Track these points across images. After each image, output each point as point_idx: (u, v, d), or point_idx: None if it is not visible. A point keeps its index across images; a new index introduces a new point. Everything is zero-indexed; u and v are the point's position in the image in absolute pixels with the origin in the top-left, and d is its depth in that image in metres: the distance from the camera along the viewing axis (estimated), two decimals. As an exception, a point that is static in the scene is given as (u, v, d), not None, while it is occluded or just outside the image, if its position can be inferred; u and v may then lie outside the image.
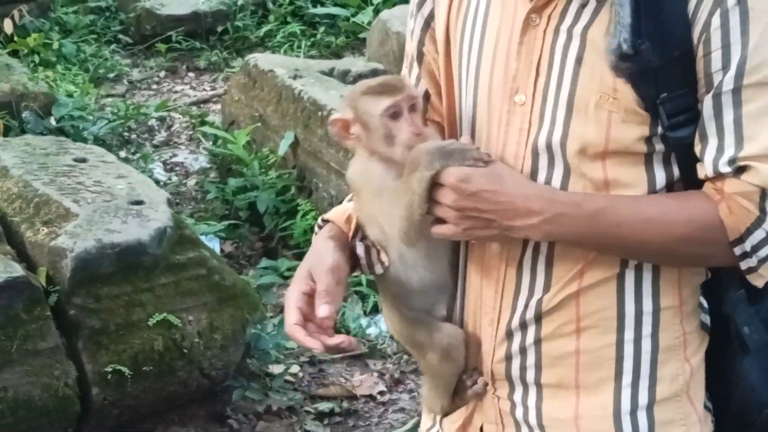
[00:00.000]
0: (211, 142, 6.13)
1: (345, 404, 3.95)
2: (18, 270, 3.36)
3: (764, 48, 1.44)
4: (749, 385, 1.63)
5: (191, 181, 5.98)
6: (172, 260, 3.63)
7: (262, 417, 3.84)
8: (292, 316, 1.61)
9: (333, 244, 1.69)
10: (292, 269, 4.75)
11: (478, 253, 1.65)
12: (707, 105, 1.47)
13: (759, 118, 1.45)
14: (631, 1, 1.45)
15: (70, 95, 6.24)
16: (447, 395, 1.71)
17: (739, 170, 1.46)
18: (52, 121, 5.70)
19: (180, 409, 3.73)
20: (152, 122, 6.75)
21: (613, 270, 1.58)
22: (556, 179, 1.55)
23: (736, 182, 1.46)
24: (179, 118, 6.86)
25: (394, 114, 1.56)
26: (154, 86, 7.56)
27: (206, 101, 7.22)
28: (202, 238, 4.43)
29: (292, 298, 1.64)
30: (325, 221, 1.76)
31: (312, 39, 7.88)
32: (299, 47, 7.73)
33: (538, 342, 1.62)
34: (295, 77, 5.43)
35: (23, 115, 5.57)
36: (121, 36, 8.11)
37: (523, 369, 1.64)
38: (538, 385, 1.64)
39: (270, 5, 8.22)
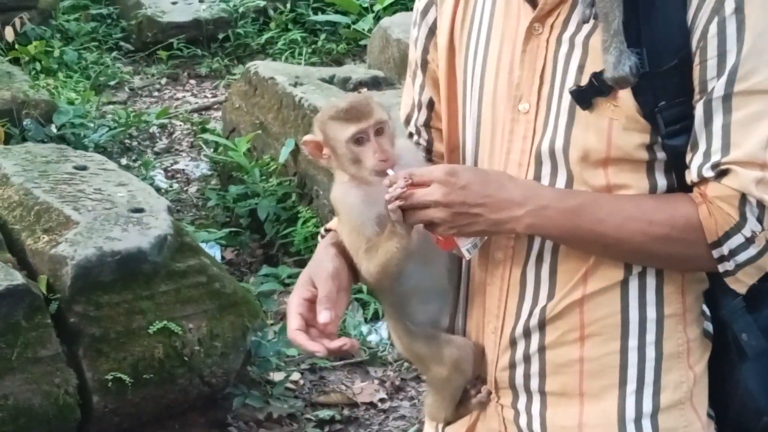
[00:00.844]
0: (212, 150, 6.13)
1: (346, 411, 3.95)
2: (18, 278, 3.36)
3: (756, 56, 1.44)
4: (747, 392, 1.63)
5: (192, 188, 5.98)
6: (172, 268, 3.62)
7: (263, 424, 3.84)
8: (293, 322, 1.63)
9: (334, 251, 1.70)
10: (293, 276, 4.75)
11: (481, 261, 1.65)
12: (699, 111, 1.48)
13: (747, 125, 1.46)
14: (628, 10, 1.45)
15: (71, 102, 6.25)
16: (452, 405, 1.71)
17: (721, 174, 1.47)
18: (53, 129, 5.71)
19: (180, 416, 3.73)
20: (153, 129, 6.76)
21: (617, 277, 1.58)
22: (560, 185, 1.56)
23: (717, 186, 1.47)
24: (180, 125, 6.86)
25: (359, 140, 1.58)
26: (156, 93, 7.57)
27: (207, 108, 7.23)
28: (203, 245, 4.44)
29: (294, 304, 1.65)
30: (328, 230, 1.78)
31: (313, 46, 7.89)
32: (300, 54, 7.74)
33: (542, 350, 1.62)
34: (295, 84, 5.44)
35: (24, 123, 5.58)
36: (122, 43, 8.12)
37: (526, 377, 1.64)
38: (542, 393, 1.64)
39: (271, 12, 8.23)
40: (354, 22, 7.94)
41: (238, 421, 3.82)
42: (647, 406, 1.61)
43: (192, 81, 7.80)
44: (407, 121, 1.84)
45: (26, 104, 5.67)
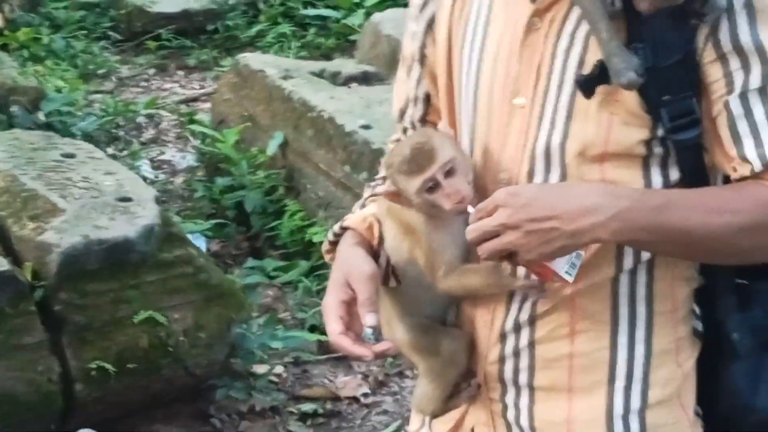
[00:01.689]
0: (199, 141, 6.11)
1: (328, 405, 3.95)
2: (4, 264, 3.35)
3: None
4: (736, 390, 1.64)
5: (178, 180, 5.97)
6: (159, 258, 3.62)
7: (246, 416, 3.84)
8: (335, 326, 1.61)
9: (362, 251, 1.67)
10: (278, 269, 4.75)
11: (473, 254, 1.65)
12: (734, 105, 1.47)
13: None
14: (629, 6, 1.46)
15: (59, 90, 6.21)
16: (442, 397, 1.71)
17: None
18: (41, 116, 5.69)
19: (164, 406, 3.72)
20: (141, 119, 6.73)
21: (608, 274, 1.58)
22: (554, 179, 1.56)
23: None
24: (168, 116, 6.84)
25: (431, 188, 1.54)
26: (143, 83, 7.55)
27: (195, 100, 7.21)
28: (189, 236, 4.42)
29: (333, 307, 1.63)
30: (344, 228, 1.74)
31: (302, 40, 7.87)
32: (289, 48, 7.72)
33: (531, 344, 1.63)
34: (285, 78, 5.42)
35: (12, 109, 5.55)
36: (110, 32, 8.09)
37: (516, 371, 1.65)
38: (531, 387, 1.64)
39: (261, 5, 8.22)
40: (344, 17, 7.93)
41: (221, 413, 3.82)
42: (635, 403, 1.62)
43: (180, 72, 7.78)
44: (401, 116, 1.83)
45: (14, 91, 5.63)
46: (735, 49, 1.46)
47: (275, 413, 3.87)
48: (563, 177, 1.55)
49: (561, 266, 1.50)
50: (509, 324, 1.64)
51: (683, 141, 1.50)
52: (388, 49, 5.75)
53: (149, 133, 6.62)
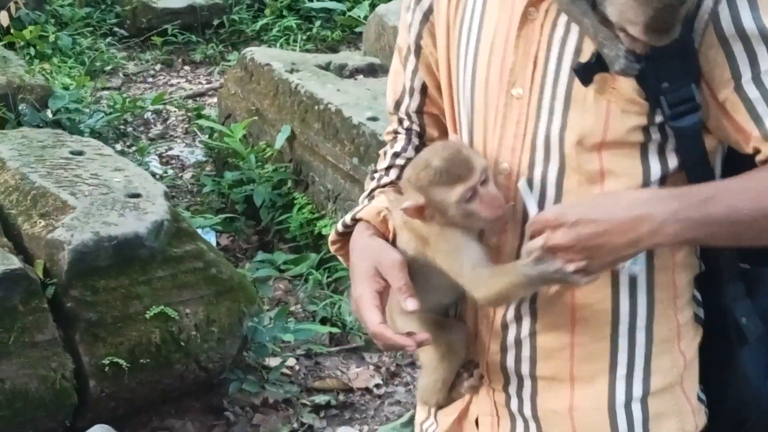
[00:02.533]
0: (207, 136, 6.13)
1: (341, 397, 3.96)
2: (15, 262, 3.36)
3: None
4: (745, 377, 1.64)
5: (187, 175, 5.98)
6: (169, 253, 3.63)
7: (259, 409, 3.85)
8: (374, 316, 1.58)
9: (383, 242, 1.67)
10: (288, 263, 4.77)
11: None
12: (749, 89, 1.48)
13: None
14: None
15: (66, 88, 6.24)
16: (444, 389, 1.72)
17: None
18: (49, 114, 5.70)
19: (177, 401, 3.74)
20: (148, 115, 6.75)
21: None
22: (552, 172, 1.56)
23: None
24: (175, 111, 6.86)
25: (470, 198, 1.54)
26: (150, 79, 7.56)
27: (202, 95, 7.22)
28: (199, 231, 4.44)
29: (368, 297, 1.60)
30: (355, 220, 1.73)
31: (308, 33, 7.88)
32: (295, 41, 7.73)
33: (533, 334, 1.63)
34: (291, 71, 5.43)
35: (20, 108, 5.57)
36: (116, 29, 8.11)
37: (518, 361, 1.65)
38: (533, 377, 1.65)
39: (266, -1, 8.23)
40: (349, 9, 7.93)
41: (234, 407, 3.83)
42: (637, 390, 1.62)
43: (186, 67, 7.79)
44: (396, 107, 1.82)
45: (22, 89, 5.65)
46: (738, 33, 1.46)
47: (288, 406, 3.88)
48: (562, 167, 1.55)
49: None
50: (510, 314, 1.65)
51: (683, 128, 1.51)
52: (394, 40, 5.73)
53: (157, 129, 6.63)
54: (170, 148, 6.35)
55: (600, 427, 1.63)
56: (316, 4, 8.04)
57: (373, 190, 1.78)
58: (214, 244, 4.69)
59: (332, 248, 1.80)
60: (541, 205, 1.56)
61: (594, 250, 1.45)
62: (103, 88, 7.08)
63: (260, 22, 8.04)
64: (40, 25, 7.35)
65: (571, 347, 1.62)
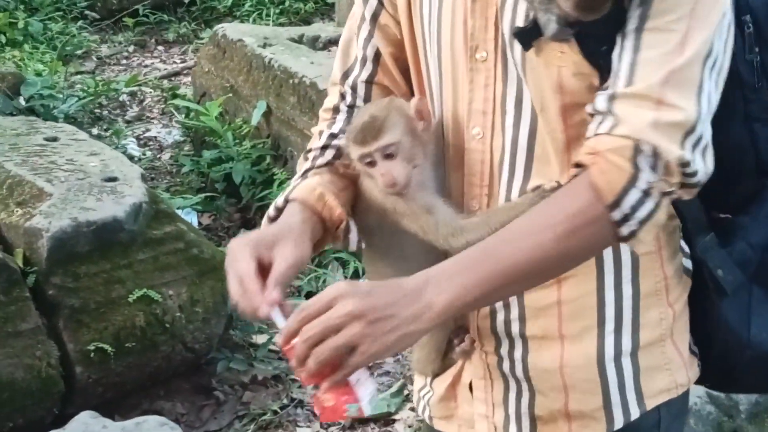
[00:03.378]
0: (183, 115, 6.09)
1: (330, 370, 3.95)
2: (-6, 252, 3.35)
3: None
4: (729, 328, 1.63)
5: (165, 155, 5.95)
6: (149, 235, 3.61)
7: (248, 387, 3.85)
8: (247, 266, 1.50)
9: (306, 231, 1.58)
10: (271, 239, 4.74)
11: (458, 208, 1.63)
12: (617, 45, 1.43)
13: (650, 61, 1.40)
14: None
15: (38, 74, 6.18)
16: (438, 357, 1.72)
17: (613, 126, 1.40)
18: (22, 101, 5.66)
19: (165, 383, 3.73)
20: (123, 98, 6.70)
21: None
22: (523, 137, 1.54)
23: (608, 138, 1.40)
24: (150, 92, 6.81)
25: (369, 163, 1.56)
26: (124, 61, 7.51)
27: (177, 74, 7.18)
28: (179, 212, 4.42)
29: (249, 250, 1.51)
30: (287, 201, 1.64)
31: (280, 6, 7.83)
32: (268, 15, 7.68)
33: (520, 295, 1.63)
34: (264, 46, 5.40)
35: (-9, 97, 5.53)
36: (87, 12, 8.04)
37: (507, 323, 1.64)
38: (523, 337, 1.64)
39: (237, -26, 8.17)
40: (321, -20, 7.89)
41: (223, 385, 3.83)
42: (626, 345, 1.61)
43: (160, 47, 7.74)
44: (344, 77, 1.75)
45: (-7, 78, 5.61)
46: None
47: (278, 382, 3.88)
48: (533, 131, 1.53)
49: (366, 392, 1.42)
50: None
51: None
52: (367, 9, 5.71)
53: (133, 111, 6.59)
54: (147, 130, 6.31)
55: (591, 383, 1.62)
56: (287, -23, 7.99)
57: (307, 171, 1.69)
58: (195, 224, 4.67)
59: None
60: (511, 169, 1.55)
61: (384, 322, 1.37)
62: (77, 73, 7.03)
63: (232, -2, 7.99)
64: (9, 12, 7.28)
65: (558, 305, 1.60)
